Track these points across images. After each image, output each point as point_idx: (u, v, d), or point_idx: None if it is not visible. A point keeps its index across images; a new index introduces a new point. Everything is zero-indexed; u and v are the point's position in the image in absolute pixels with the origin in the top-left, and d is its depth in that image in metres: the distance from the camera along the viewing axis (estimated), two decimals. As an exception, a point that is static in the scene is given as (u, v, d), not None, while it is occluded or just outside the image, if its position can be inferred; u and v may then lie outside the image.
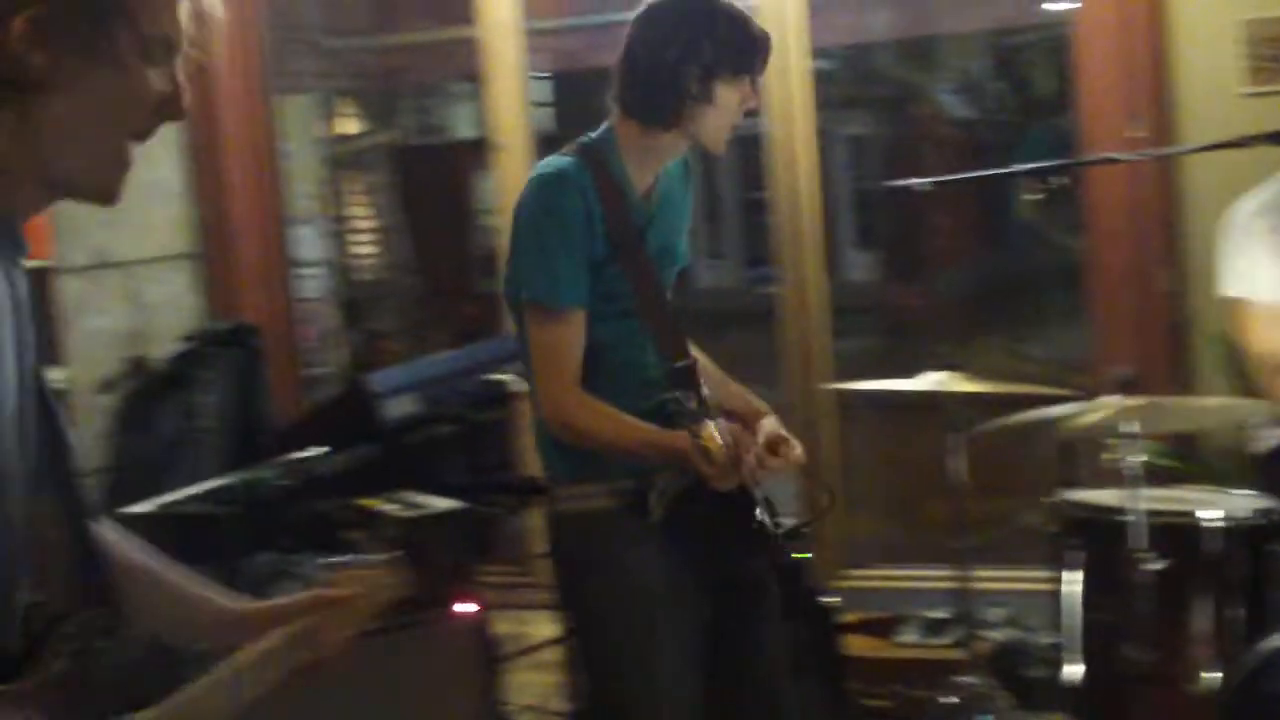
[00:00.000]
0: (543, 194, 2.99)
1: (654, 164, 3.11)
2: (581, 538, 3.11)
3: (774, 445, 3.03)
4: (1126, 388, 3.14)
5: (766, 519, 2.94)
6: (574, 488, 3.09)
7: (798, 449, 3.06)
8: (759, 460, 2.87)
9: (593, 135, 3.11)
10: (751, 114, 3.13)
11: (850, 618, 4.40)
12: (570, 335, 2.97)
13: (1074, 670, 3.38)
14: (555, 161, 3.04)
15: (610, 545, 3.07)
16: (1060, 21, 4.89)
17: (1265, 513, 3.32)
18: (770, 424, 3.12)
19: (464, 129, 8.51)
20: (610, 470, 3.01)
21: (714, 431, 2.72)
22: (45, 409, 1.74)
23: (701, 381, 2.77)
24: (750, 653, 3.27)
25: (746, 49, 3.03)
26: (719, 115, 3.03)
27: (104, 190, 1.69)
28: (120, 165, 1.68)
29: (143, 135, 1.69)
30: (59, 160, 1.64)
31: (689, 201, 3.28)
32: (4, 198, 1.64)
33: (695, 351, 3.15)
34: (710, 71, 2.98)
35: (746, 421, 3.11)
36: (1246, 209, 3.79)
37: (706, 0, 3.03)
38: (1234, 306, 3.78)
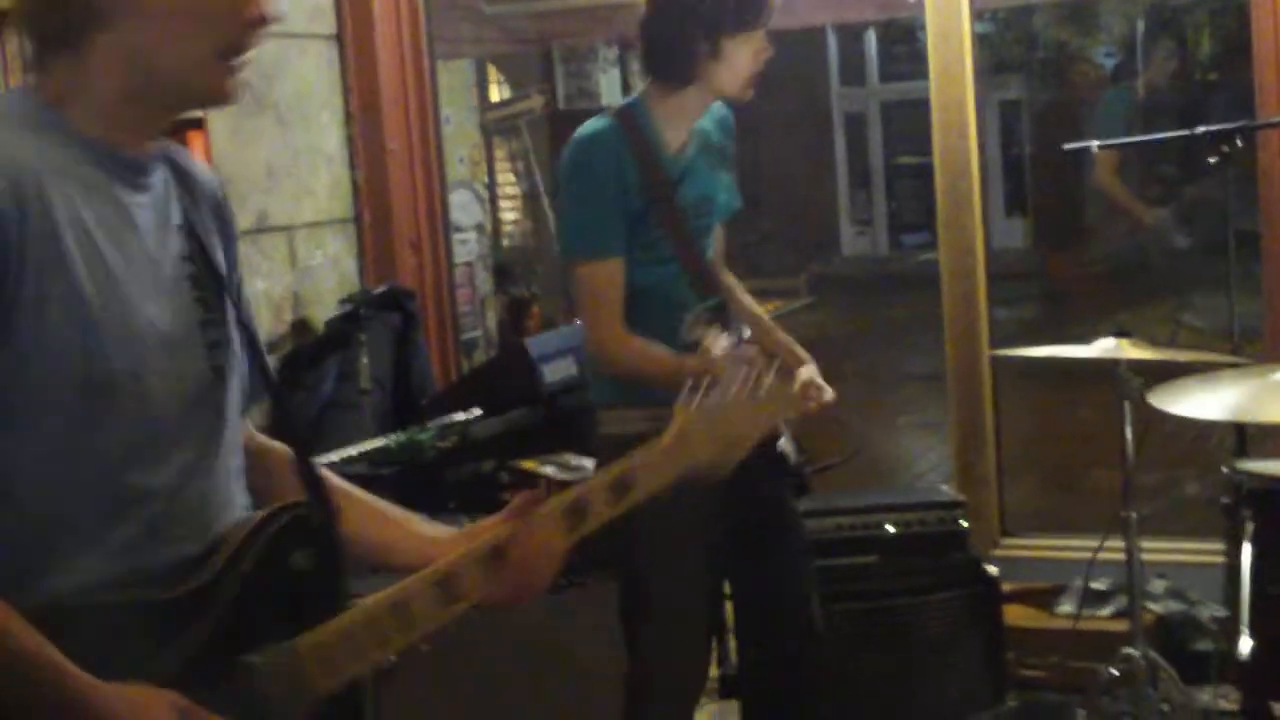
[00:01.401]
0: (579, 154, 3.31)
1: (683, 120, 3.36)
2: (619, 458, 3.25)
3: (806, 389, 3.25)
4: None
5: (789, 448, 3.34)
6: (614, 412, 3.34)
7: (828, 394, 3.33)
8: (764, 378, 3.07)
9: (627, 99, 3.44)
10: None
11: (1009, 587, 4.34)
12: (607, 280, 3.25)
13: (1242, 643, 3.30)
14: (592, 124, 3.35)
15: None
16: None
17: None
18: (807, 371, 3.38)
19: (616, 94, 8.50)
20: (648, 397, 3.15)
21: (717, 340, 3.00)
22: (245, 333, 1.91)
23: (731, 314, 3.27)
24: (768, 570, 3.50)
25: (747, 5, 3.25)
26: (733, 68, 3.28)
27: (214, 93, 1.79)
28: (222, 70, 1.76)
29: (237, 49, 1.76)
30: (155, 77, 1.74)
31: (729, 153, 3.53)
32: (109, 130, 1.75)
33: (749, 302, 3.57)
34: (716, 29, 3.23)
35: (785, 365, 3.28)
36: None
37: None
38: None
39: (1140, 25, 8.51)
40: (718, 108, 3.47)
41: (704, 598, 3.45)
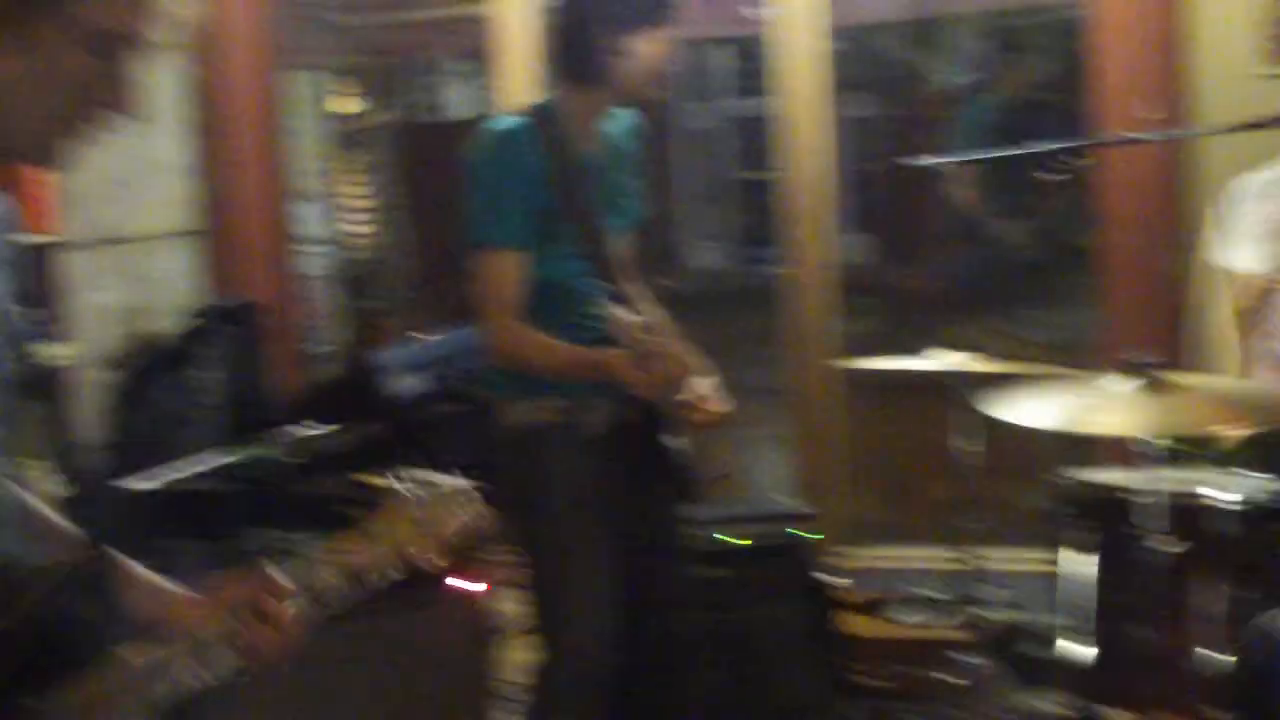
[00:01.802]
0: (490, 148, 3.38)
1: (593, 119, 3.46)
2: (518, 450, 3.45)
3: (701, 398, 3.42)
4: (1143, 371, 3.12)
5: (671, 441, 3.44)
6: (512, 404, 3.44)
7: (721, 407, 3.46)
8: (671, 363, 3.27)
9: (541, 99, 3.53)
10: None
11: (851, 597, 4.39)
12: (507, 272, 3.33)
13: (1081, 650, 3.37)
14: (505, 120, 3.44)
15: (544, 457, 3.43)
16: (1071, 2, 4.88)
17: (1275, 496, 3.31)
18: (703, 383, 3.46)
19: (466, 108, 8.48)
20: (545, 388, 3.38)
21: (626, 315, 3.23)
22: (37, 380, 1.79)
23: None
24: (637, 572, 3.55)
25: (650, 2, 3.36)
26: (638, 66, 3.35)
27: (38, 153, 1.76)
28: (56, 134, 1.73)
29: (81, 118, 1.73)
30: None
31: (638, 159, 3.63)
32: None
33: (653, 311, 3.58)
34: (620, 28, 3.31)
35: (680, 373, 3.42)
36: (1245, 185, 3.84)
37: None
38: (1218, 276, 3.91)
39: (988, 44, 8.66)
40: (629, 114, 3.56)
41: (606, 579, 3.47)
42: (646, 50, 3.36)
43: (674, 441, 3.46)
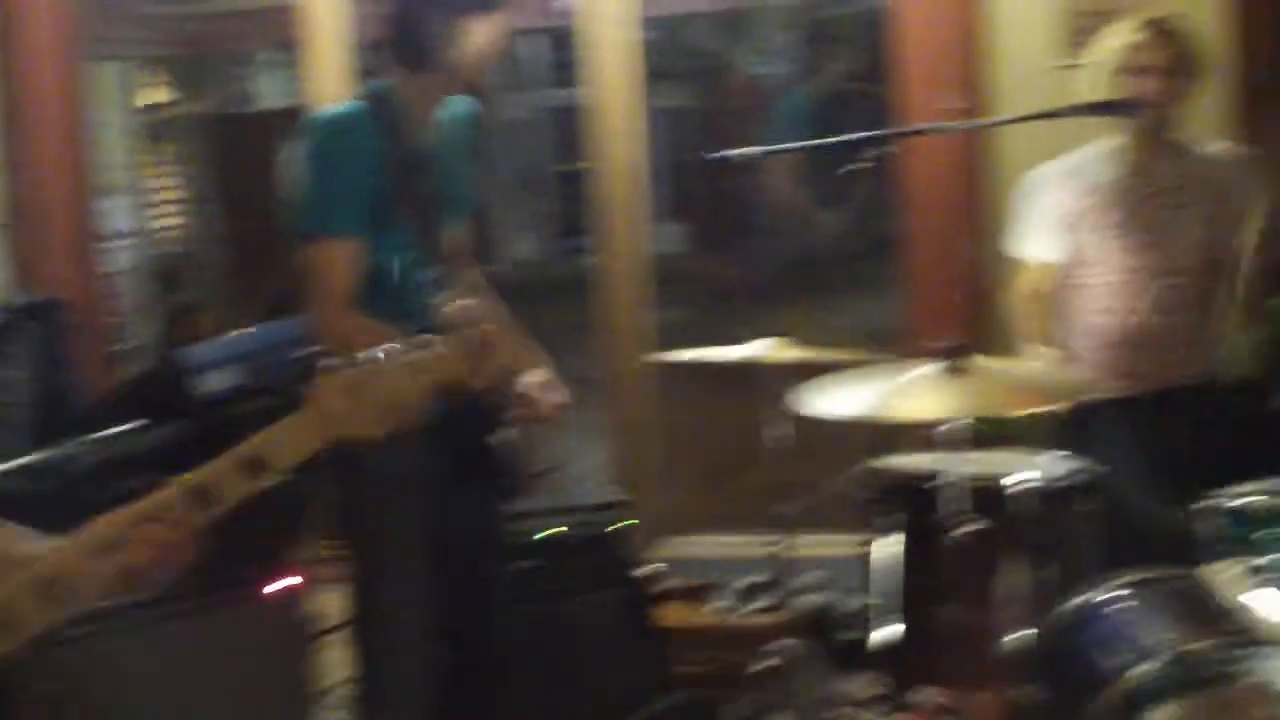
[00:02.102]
0: (324, 134, 3.34)
1: (428, 106, 3.43)
2: None
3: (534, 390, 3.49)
4: (950, 355, 3.20)
5: (498, 434, 3.43)
6: None
7: (558, 397, 3.54)
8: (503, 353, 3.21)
9: (375, 84, 3.46)
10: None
11: (667, 586, 4.43)
12: (343, 262, 3.27)
13: (889, 632, 3.44)
14: (338, 105, 3.46)
15: (364, 450, 3.27)
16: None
17: (1074, 473, 3.41)
18: (538, 374, 3.54)
19: (277, 98, 8.36)
20: None
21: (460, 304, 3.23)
22: None
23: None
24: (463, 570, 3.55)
25: None
26: (472, 52, 3.34)
27: None
28: None
29: None
30: None
31: (472, 148, 3.62)
32: None
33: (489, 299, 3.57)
34: (456, 13, 3.30)
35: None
36: (1041, 175, 3.97)
37: None
38: (1016, 264, 4.07)
39: (798, 36, 8.75)
40: (465, 101, 3.54)
41: (428, 574, 3.45)
42: (481, 35, 3.35)
43: (501, 434, 3.46)
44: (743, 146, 4.05)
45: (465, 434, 3.40)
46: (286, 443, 2.04)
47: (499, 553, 3.70)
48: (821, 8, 8.08)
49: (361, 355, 2.10)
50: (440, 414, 3.37)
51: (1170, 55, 3.81)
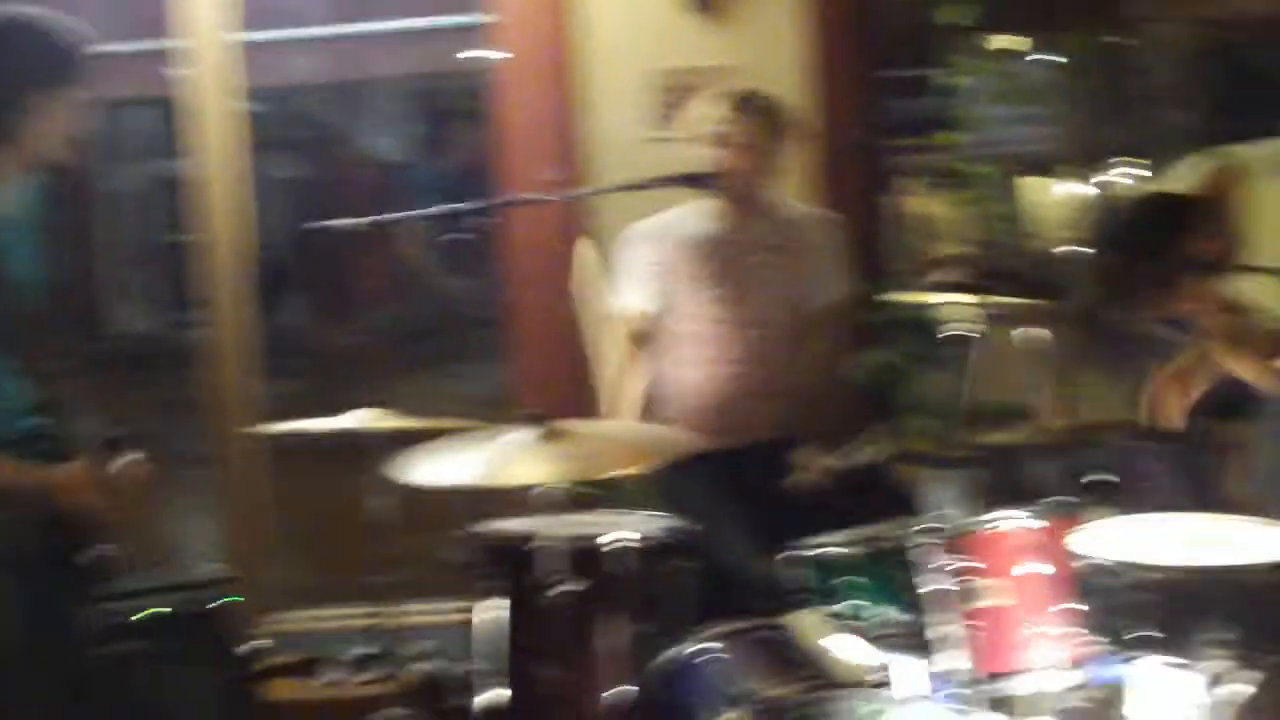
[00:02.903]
0: None
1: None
2: None
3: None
4: (536, 418, 3.25)
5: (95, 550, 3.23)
6: None
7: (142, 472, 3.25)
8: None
9: None
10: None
11: (277, 661, 4.37)
12: None
13: (494, 695, 3.47)
14: None
15: None
16: (481, 69, 5.04)
17: (667, 531, 3.50)
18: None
19: None
20: None
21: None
22: None
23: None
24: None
25: (56, 59, 3.14)
26: (46, 127, 3.14)
27: None
28: None
29: None
30: None
31: (36, 225, 3.34)
32: None
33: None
34: (29, 87, 3.10)
35: None
36: (637, 231, 4.09)
37: (5, 16, 3.13)
38: (617, 318, 4.20)
39: (412, 106, 8.79)
40: (36, 177, 3.31)
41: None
42: (56, 111, 3.17)
43: (99, 549, 3.27)
44: (358, 216, 4.07)
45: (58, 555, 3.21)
46: None
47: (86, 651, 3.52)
48: (431, 80, 8.15)
49: None
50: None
51: (752, 127, 3.97)
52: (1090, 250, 3.18)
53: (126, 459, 3.01)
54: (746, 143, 3.96)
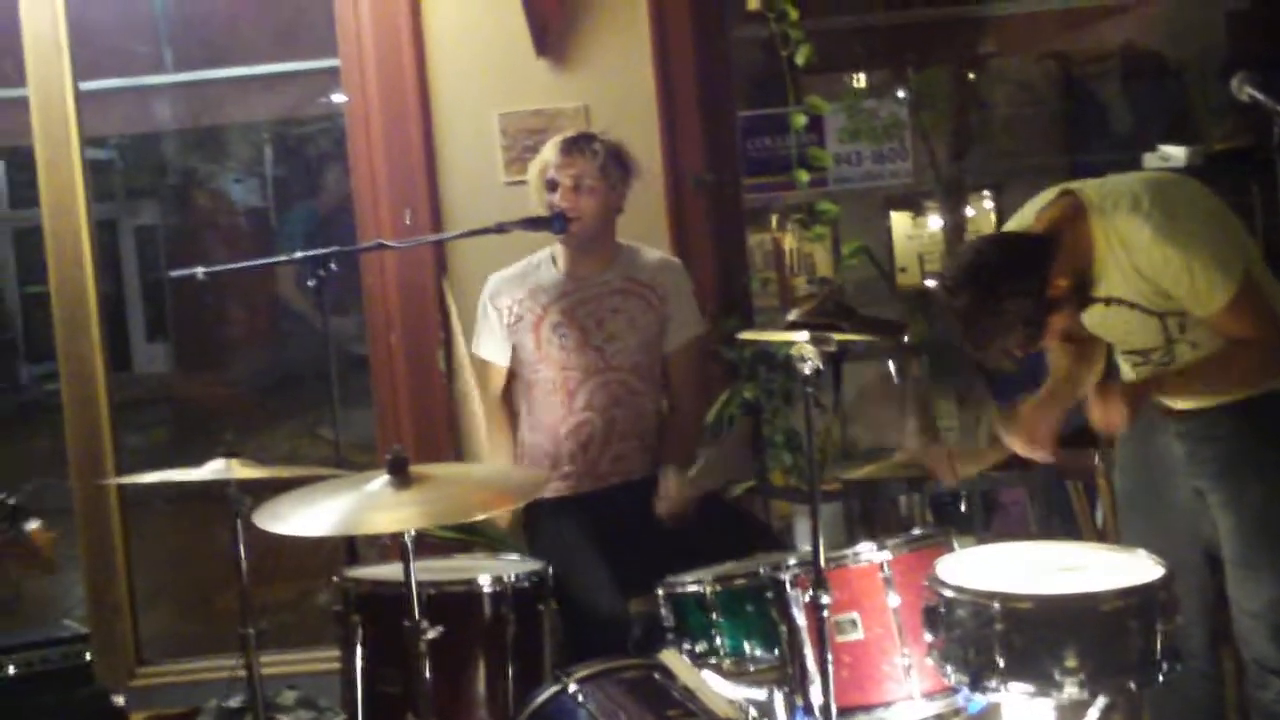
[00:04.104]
0: None
1: None
2: None
3: None
4: (396, 464, 3.24)
5: None
6: None
7: None
8: None
9: None
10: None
11: (144, 715, 4.32)
12: None
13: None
14: None
15: None
16: (337, 114, 5.04)
17: (535, 575, 3.51)
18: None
19: None
20: None
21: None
22: None
23: None
24: None
25: None
26: None
27: None
28: None
29: None
30: None
31: None
32: None
33: None
34: None
35: None
36: (492, 281, 4.10)
37: None
38: (478, 364, 4.18)
39: (269, 151, 8.76)
40: None
41: None
42: None
43: None
44: (220, 263, 4.06)
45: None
46: None
47: None
48: (289, 125, 8.13)
49: None
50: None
51: (585, 170, 3.98)
52: (944, 287, 3.20)
53: (34, 525, 2.96)
54: (585, 185, 3.98)
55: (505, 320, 4.07)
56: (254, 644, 3.64)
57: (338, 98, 5.02)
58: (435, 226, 4.60)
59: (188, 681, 4.76)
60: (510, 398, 4.13)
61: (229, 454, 3.65)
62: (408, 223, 4.56)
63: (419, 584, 3.27)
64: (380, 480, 3.22)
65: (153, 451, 5.73)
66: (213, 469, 3.64)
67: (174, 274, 4.30)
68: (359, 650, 3.49)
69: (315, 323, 4.03)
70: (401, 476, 3.18)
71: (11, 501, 3.06)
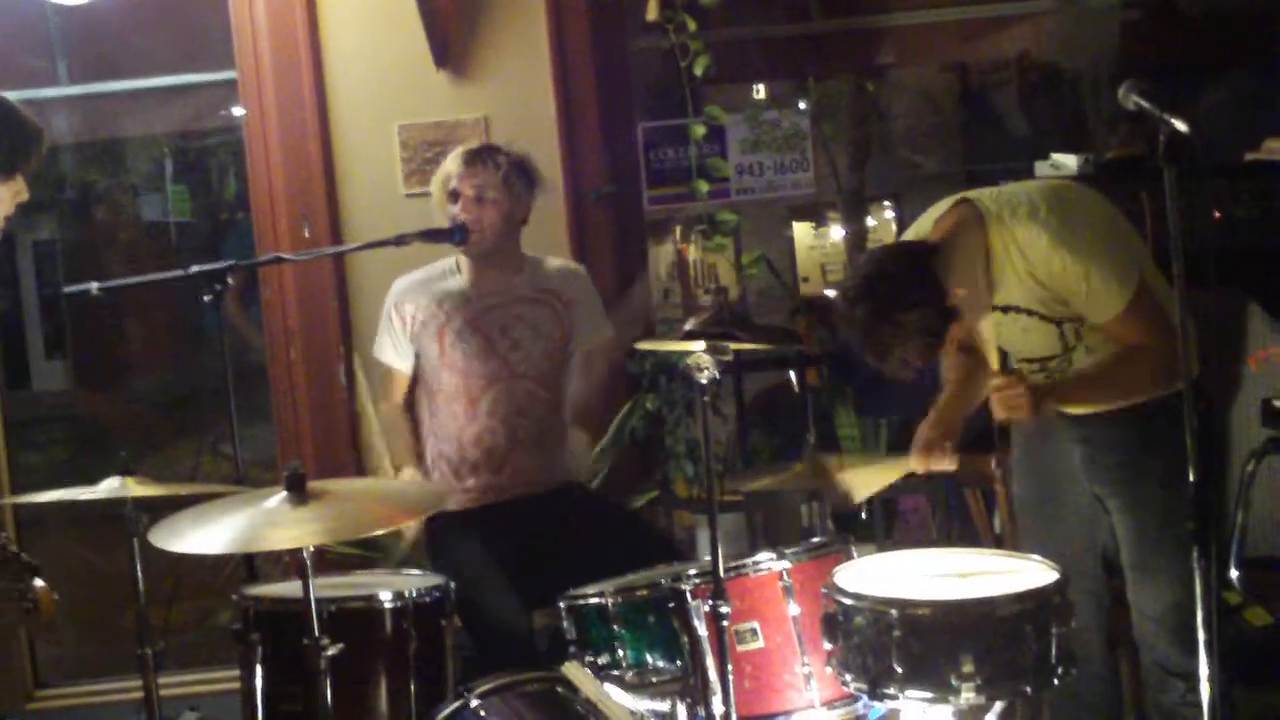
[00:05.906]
0: None
1: None
2: None
3: None
4: (293, 481, 3.21)
5: None
6: None
7: None
8: None
9: None
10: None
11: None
12: None
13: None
14: None
15: None
16: (237, 126, 5.00)
17: (436, 589, 3.50)
18: None
19: None
20: None
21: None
22: None
23: None
24: None
25: (19, 145, 3.07)
26: None
27: None
28: None
29: None
30: None
31: None
32: None
33: None
34: None
35: None
36: (394, 291, 4.09)
37: None
38: (383, 372, 4.17)
39: (168, 165, 8.66)
40: None
41: None
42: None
43: None
44: (120, 277, 4.02)
45: None
46: None
47: None
48: (188, 138, 8.05)
49: None
50: None
51: (487, 182, 3.98)
52: (844, 298, 3.22)
53: (40, 583, 2.93)
54: (488, 197, 3.98)
55: (409, 326, 4.06)
56: (152, 665, 3.60)
57: (238, 110, 4.99)
58: (335, 239, 4.58)
59: (87, 704, 4.70)
60: (412, 406, 4.12)
61: (124, 472, 3.61)
62: (307, 235, 4.53)
63: (319, 601, 3.24)
64: (278, 497, 3.20)
65: (52, 470, 5.65)
66: (108, 487, 3.59)
67: (68, 290, 4.24)
68: (259, 669, 3.46)
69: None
70: (299, 493, 3.15)
71: (24, 557, 3.05)
